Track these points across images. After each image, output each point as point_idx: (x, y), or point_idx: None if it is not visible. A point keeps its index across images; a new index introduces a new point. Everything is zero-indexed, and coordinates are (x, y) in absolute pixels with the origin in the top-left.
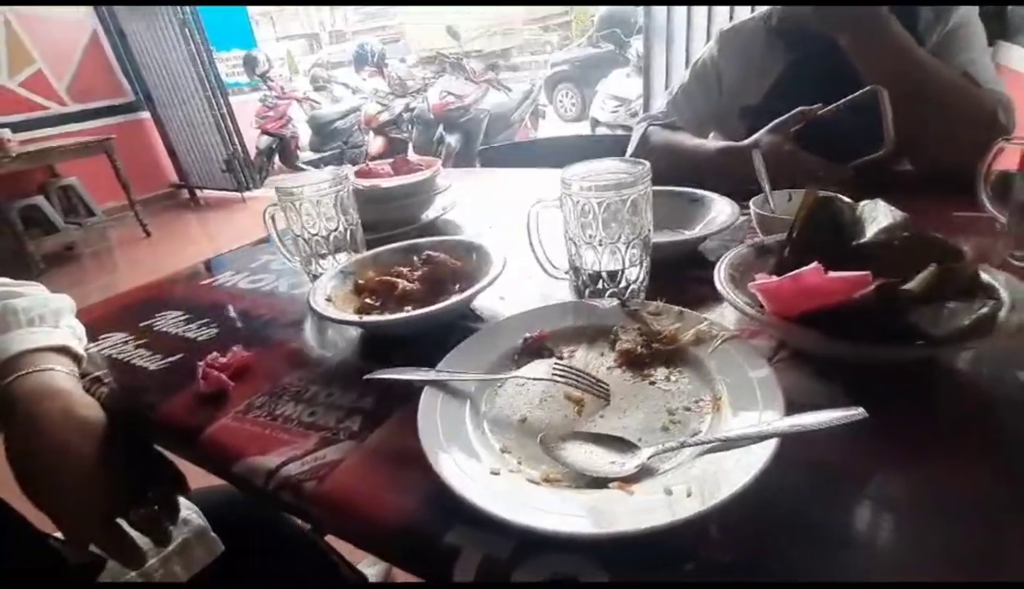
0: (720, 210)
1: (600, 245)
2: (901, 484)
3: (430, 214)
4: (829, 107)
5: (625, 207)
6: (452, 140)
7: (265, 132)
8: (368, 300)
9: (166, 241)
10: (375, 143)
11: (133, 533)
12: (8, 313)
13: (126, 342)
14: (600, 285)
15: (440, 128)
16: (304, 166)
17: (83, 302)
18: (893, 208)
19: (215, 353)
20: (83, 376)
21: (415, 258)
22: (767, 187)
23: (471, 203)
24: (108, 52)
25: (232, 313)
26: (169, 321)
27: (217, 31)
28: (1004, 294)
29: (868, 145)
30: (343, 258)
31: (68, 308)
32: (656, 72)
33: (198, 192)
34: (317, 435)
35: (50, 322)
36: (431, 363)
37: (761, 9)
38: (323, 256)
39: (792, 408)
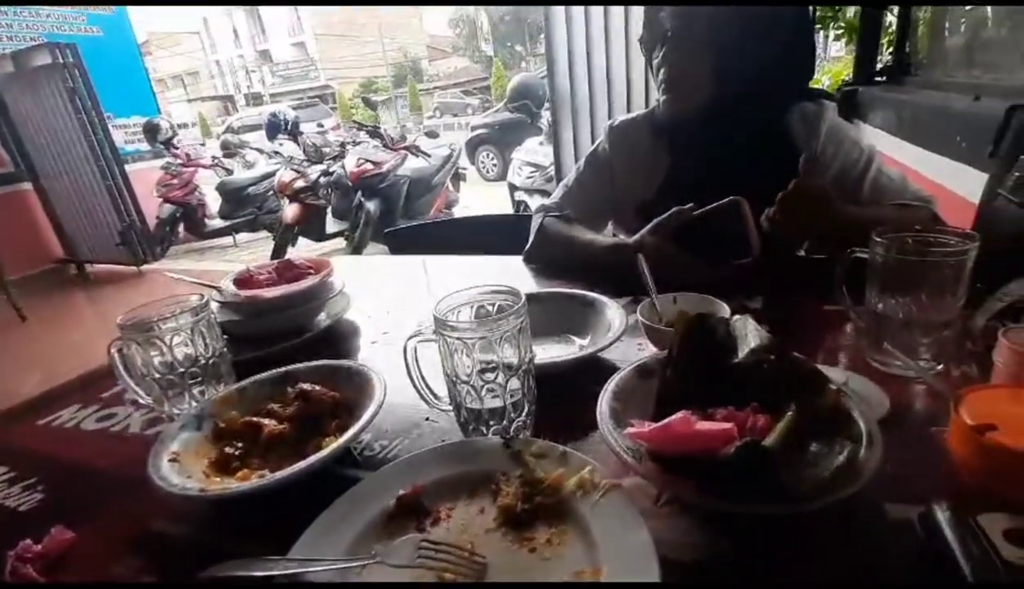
0: (612, 316)
1: (479, 381)
2: None
3: (322, 320)
4: (699, 211)
5: (501, 341)
6: (371, 206)
7: (168, 200)
8: (228, 449)
9: (45, 325)
10: (290, 210)
11: None
12: None
13: None
14: (483, 421)
15: (359, 195)
16: (213, 233)
17: None
18: (759, 327)
19: (28, 540)
20: None
21: (289, 389)
22: (653, 291)
23: (371, 299)
24: None
25: (65, 467)
26: None
27: (115, 97)
28: (862, 425)
29: (742, 246)
30: (201, 394)
31: None
32: (564, 142)
33: (87, 266)
34: None
35: None
36: (300, 526)
37: (648, 107)
38: (177, 394)
39: (674, 565)
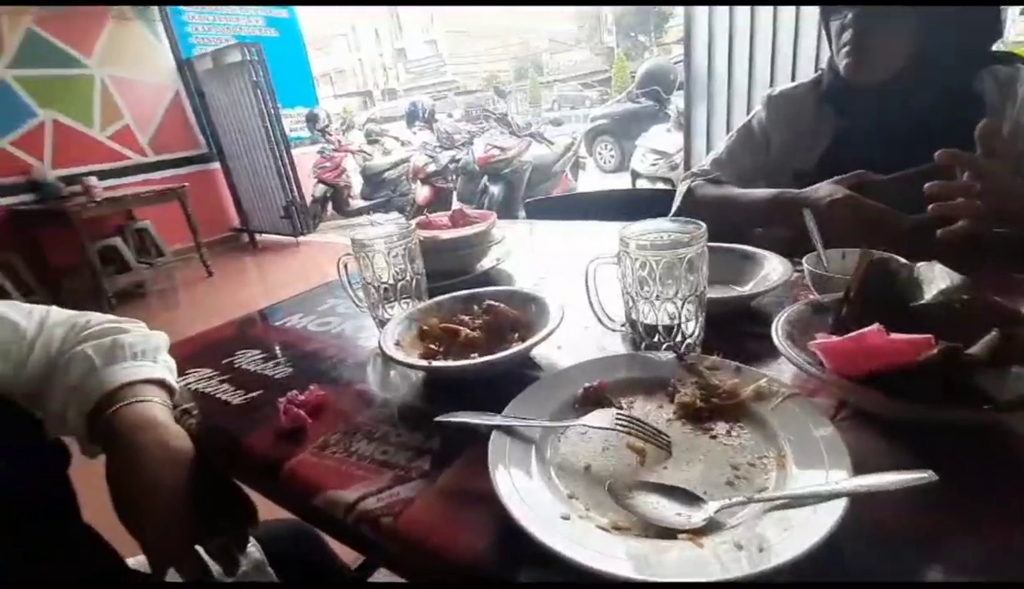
0: (772, 267)
1: (657, 300)
2: (969, 549)
3: (484, 264)
4: (898, 174)
5: (682, 265)
6: (495, 190)
7: (321, 181)
8: (432, 346)
9: (226, 281)
10: (422, 192)
11: (206, 559)
12: (117, 347)
13: (211, 377)
14: (656, 338)
15: (484, 179)
16: (355, 212)
17: None
18: (950, 270)
19: (295, 391)
20: (175, 407)
21: (475, 307)
22: (820, 245)
23: (520, 254)
24: (188, 110)
25: (304, 353)
26: (249, 359)
27: (285, 90)
28: None
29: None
30: (407, 305)
31: (164, 344)
32: (697, 128)
33: (257, 236)
34: (390, 473)
35: (150, 357)
36: (490, 408)
37: (811, 75)
38: (389, 302)
39: (857, 469)
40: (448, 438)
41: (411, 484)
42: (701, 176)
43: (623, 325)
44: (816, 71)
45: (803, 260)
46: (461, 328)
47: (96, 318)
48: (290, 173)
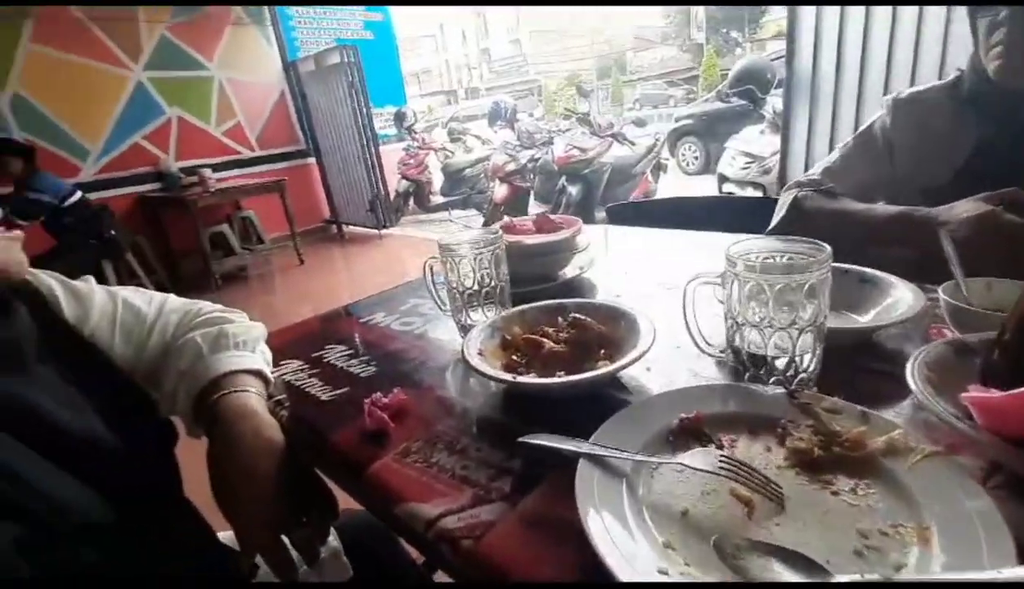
0: (899, 295)
1: (769, 327)
2: None
3: (567, 272)
4: None
5: (801, 291)
6: (573, 191)
7: (405, 177)
8: (514, 357)
9: (316, 269)
10: (500, 190)
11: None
12: (222, 336)
13: (301, 370)
14: (763, 370)
15: (562, 179)
16: (434, 208)
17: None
18: None
19: (378, 393)
20: (269, 397)
21: (560, 318)
22: (960, 273)
23: (603, 263)
24: (290, 108)
25: (387, 353)
26: (336, 354)
27: (376, 90)
28: None
29: None
30: (490, 311)
31: (262, 335)
32: (796, 131)
33: (344, 227)
34: (471, 491)
35: (250, 347)
36: (573, 427)
37: (946, 78)
38: (472, 307)
39: (1020, 553)
40: (530, 459)
41: (492, 506)
42: (809, 186)
43: (723, 351)
44: (940, 76)
45: (939, 290)
46: (545, 341)
47: (207, 307)
48: (377, 169)
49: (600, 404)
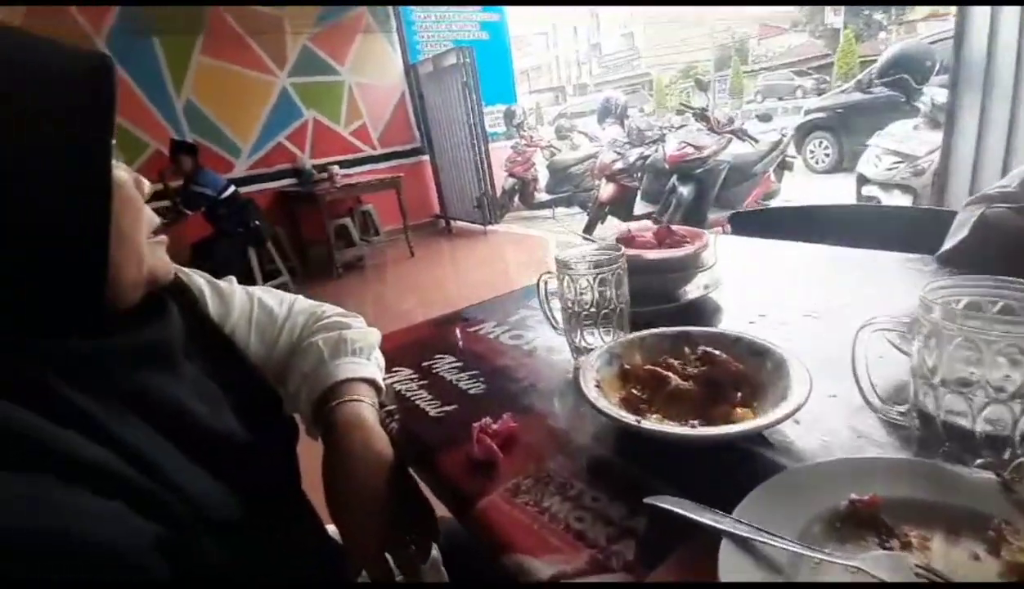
0: None
1: (979, 394)
2: None
3: (689, 292)
4: None
5: None
6: (684, 191)
7: (511, 175)
8: (634, 390)
9: (424, 261)
10: (606, 189)
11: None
12: (341, 342)
13: (411, 379)
14: (965, 445)
15: (673, 178)
16: (539, 205)
17: (362, 306)
18: None
19: (487, 418)
20: (381, 407)
21: (686, 349)
22: None
23: (731, 281)
24: (409, 109)
25: (496, 369)
26: (445, 366)
27: (488, 89)
28: None
29: None
30: (607, 333)
31: (377, 341)
32: (963, 128)
33: (452, 223)
34: (587, 552)
35: (366, 354)
36: (703, 484)
37: None
38: (587, 327)
39: None
40: (655, 522)
41: (613, 577)
42: (1002, 201)
43: (902, 413)
44: None
45: None
46: (670, 376)
47: (329, 310)
48: (486, 167)
49: (737, 459)
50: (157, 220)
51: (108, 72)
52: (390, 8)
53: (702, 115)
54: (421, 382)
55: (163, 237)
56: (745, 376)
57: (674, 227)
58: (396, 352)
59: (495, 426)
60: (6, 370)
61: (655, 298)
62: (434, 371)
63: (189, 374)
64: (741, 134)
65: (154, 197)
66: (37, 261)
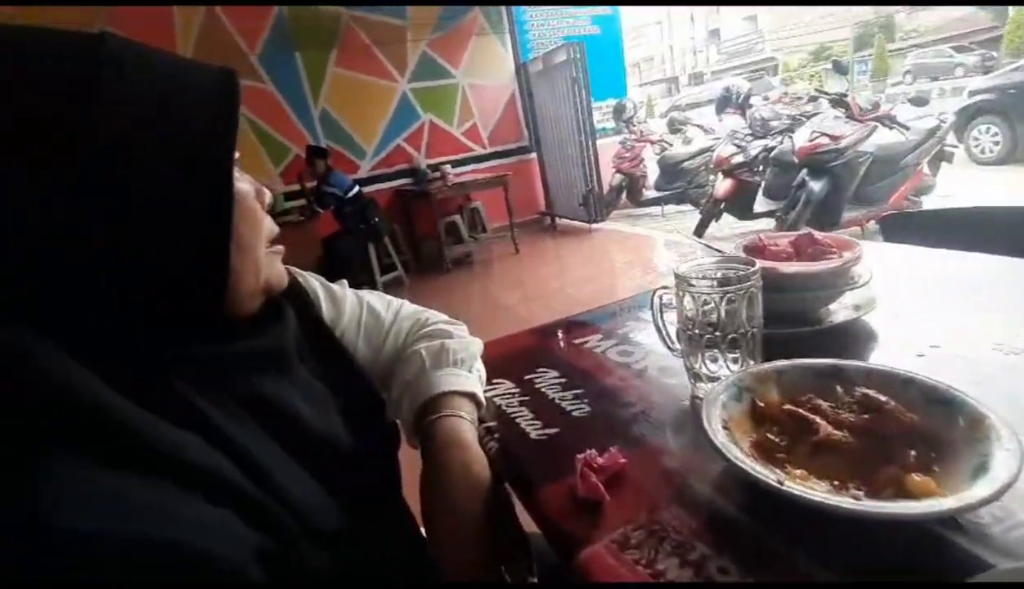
0: None
1: None
2: None
3: (836, 313)
4: None
5: None
6: (815, 186)
7: (619, 171)
8: (770, 435)
9: (529, 258)
10: (722, 185)
11: None
12: (443, 351)
13: (512, 393)
14: None
15: (803, 172)
16: (647, 202)
17: (468, 301)
18: None
19: (592, 451)
20: (480, 421)
21: (839, 388)
22: None
23: (886, 299)
24: (518, 107)
25: (602, 389)
26: (547, 381)
27: (598, 84)
28: None
29: None
30: (734, 363)
31: (479, 351)
32: None
33: (557, 220)
34: None
35: (467, 366)
36: (863, 563)
37: None
38: (710, 352)
39: None
40: None
41: None
42: None
43: None
44: None
45: None
46: (819, 421)
47: (433, 317)
48: (593, 164)
49: (912, 541)
50: (276, 230)
51: (233, 88)
52: (503, 8)
53: (840, 101)
54: (522, 398)
55: (279, 247)
56: (922, 429)
57: (817, 234)
58: (498, 361)
59: (600, 460)
60: (134, 373)
61: (790, 319)
62: (536, 386)
63: (299, 376)
64: (889, 121)
65: (291, 197)
66: (163, 271)
